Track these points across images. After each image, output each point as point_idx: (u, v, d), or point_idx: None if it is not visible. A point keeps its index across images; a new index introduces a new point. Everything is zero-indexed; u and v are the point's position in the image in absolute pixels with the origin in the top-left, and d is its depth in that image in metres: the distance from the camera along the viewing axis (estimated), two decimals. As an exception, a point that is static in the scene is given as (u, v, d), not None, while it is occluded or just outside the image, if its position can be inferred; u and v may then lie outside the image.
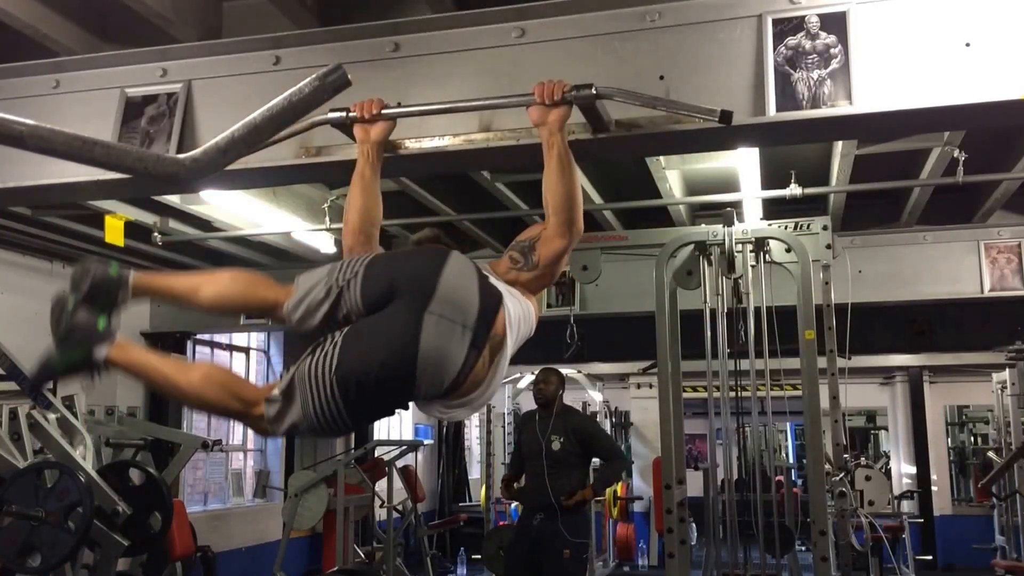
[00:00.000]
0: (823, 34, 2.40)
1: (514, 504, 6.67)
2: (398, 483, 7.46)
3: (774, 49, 2.41)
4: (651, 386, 10.50)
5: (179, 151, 2.69)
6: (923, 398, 10.99)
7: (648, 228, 5.73)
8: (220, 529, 7.60)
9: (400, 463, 7.69)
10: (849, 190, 5.01)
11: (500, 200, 5.28)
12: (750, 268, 4.34)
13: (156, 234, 5.61)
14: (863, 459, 8.06)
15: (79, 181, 2.92)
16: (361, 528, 7.98)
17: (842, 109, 2.35)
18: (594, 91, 2.24)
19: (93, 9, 3.34)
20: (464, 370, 1.96)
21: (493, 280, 2.11)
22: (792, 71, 2.39)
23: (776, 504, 4.46)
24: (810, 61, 2.39)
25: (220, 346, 8.33)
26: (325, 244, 5.85)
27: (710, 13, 2.49)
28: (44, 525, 3.87)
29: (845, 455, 5.32)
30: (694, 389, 7.94)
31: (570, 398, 9.08)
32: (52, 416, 4.46)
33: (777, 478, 6.65)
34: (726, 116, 2.15)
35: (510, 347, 2.10)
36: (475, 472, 12.18)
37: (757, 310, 4.32)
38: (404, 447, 7.60)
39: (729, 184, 5.06)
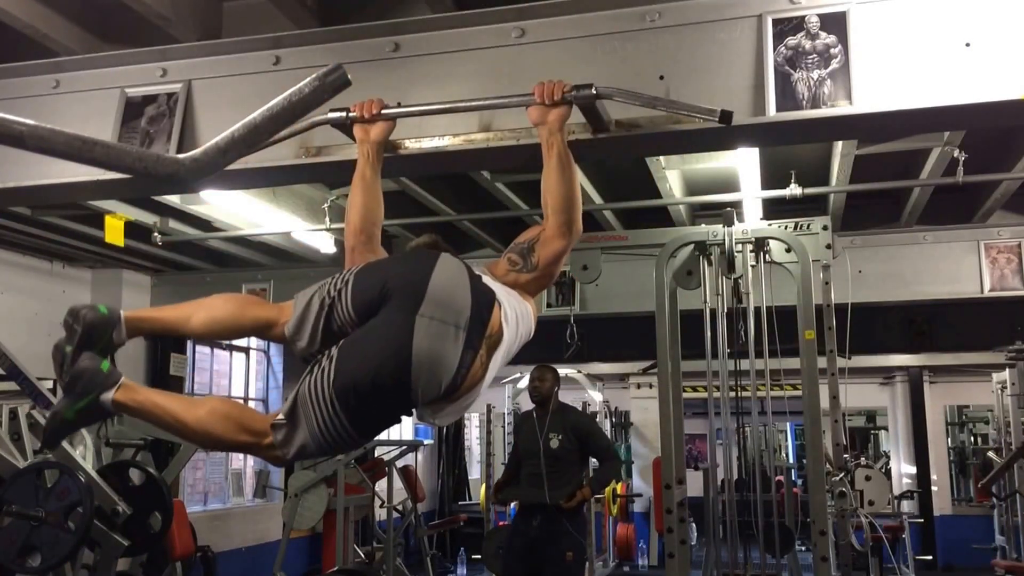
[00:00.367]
0: (823, 34, 2.40)
1: (514, 504, 6.67)
2: (398, 483, 7.46)
3: (774, 49, 2.41)
4: (651, 386, 10.50)
5: (179, 151, 2.69)
6: (923, 398, 10.99)
7: (648, 228, 5.72)
8: (220, 529, 7.60)
9: (400, 463, 7.69)
10: (849, 190, 5.01)
11: (500, 200, 5.28)
12: (750, 268, 4.34)
13: (156, 234, 5.61)
14: (863, 459, 8.06)
15: (79, 181, 2.92)
16: (361, 528, 7.97)
17: (842, 109, 2.35)
18: (594, 91, 2.24)
19: (93, 9, 3.35)
20: (461, 370, 1.95)
21: (487, 280, 2.10)
22: (792, 71, 2.39)
23: (776, 504, 4.46)
24: (810, 61, 2.39)
25: (220, 346, 8.33)
26: (325, 244, 5.85)
27: (710, 13, 2.49)
28: (44, 525, 3.86)
29: (845, 455, 5.32)
30: (694, 389, 7.95)
31: (570, 398, 9.10)
32: (52, 416, 4.46)
33: (777, 478, 6.65)
34: (726, 116, 2.15)
35: (508, 345, 2.09)
36: (475, 472, 12.19)
37: (757, 310, 4.32)
38: (404, 447, 7.60)
39: (729, 184, 5.06)
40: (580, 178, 2.70)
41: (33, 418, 4.31)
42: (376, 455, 7.72)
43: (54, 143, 1.55)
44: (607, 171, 5.30)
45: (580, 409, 7.20)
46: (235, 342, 8.54)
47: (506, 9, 2.66)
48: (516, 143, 2.54)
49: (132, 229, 5.34)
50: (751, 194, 4.92)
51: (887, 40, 2.36)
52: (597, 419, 9.69)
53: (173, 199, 5.14)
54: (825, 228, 4.71)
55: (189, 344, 7.51)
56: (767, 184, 4.83)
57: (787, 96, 2.38)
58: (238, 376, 8.79)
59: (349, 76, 1.89)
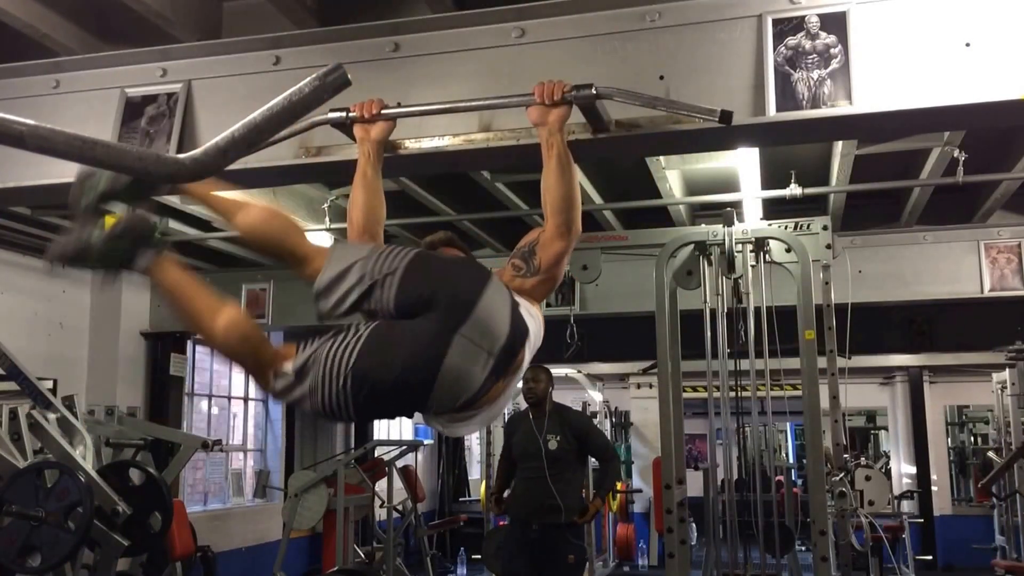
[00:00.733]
0: (823, 34, 2.40)
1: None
2: (398, 483, 7.46)
3: (774, 49, 2.41)
4: (651, 386, 10.51)
5: (179, 151, 2.69)
6: (923, 398, 10.99)
7: (648, 228, 5.71)
8: (220, 529, 7.61)
9: (400, 463, 7.69)
10: (849, 190, 5.00)
11: (500, 200, 5.28)
12: (750, 268, 4.34)
13: (156, 234, 5.60)
14: (863, 459, 8.06)
15: (79, 181, 2.92)
16: (361, 528, 7.98)
17: (842, 109, 2.35)
18: (594, 91, 2.24)
19: (93, 9, 3.35)
20: (480, 393, 1.96)
21: (522, 310, 2.07)
22: (792, 71, 2.39)
23: (776, 504, 4.46)
24: (810, 61, 2.39)
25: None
26: (325, 244, 5.83)
27: (710, 13, 2.49)
28: (44, 525, 3.87)
29: (845, 455, 5.32)
30: (694, 389, 7.95)
31: (570, 398, 9.12)
32: (52, 416, 4.46)
33: (777, 478, 6.66)
34: (726, 116, 2.15)
35: (524, 368, 2.11)
36: (475, 472, 12.19)
37: (757, 310, 4.32)
38: (404, 447, 7.60)
39: (729, 184, 5.06)
40: (580, 178, 2.69)
41: (33, 418, 4.31)
42: (376, 455, 7.72)
43: (54, 143, 1.55)
44: (607, 171, 5.30)
45: (577, 409, 7.21)
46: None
47: (506, 9, 2.66)
48: (516, 143, 2.54)
49: (132, 229, 5.33)
50: (751, 194, 4.92)
51: (887, 40, 2.36)
52: (597, 419, 9.70)
53: (173, 199, 5.13)
54: (825, 228, 4.71)
55: (189, 344, 7.51)
56: (767, 184, 4.83)
57: (787, 96, 2.38)
58: (238, 376, 8.79)
59: (349, 76, 1.89)
